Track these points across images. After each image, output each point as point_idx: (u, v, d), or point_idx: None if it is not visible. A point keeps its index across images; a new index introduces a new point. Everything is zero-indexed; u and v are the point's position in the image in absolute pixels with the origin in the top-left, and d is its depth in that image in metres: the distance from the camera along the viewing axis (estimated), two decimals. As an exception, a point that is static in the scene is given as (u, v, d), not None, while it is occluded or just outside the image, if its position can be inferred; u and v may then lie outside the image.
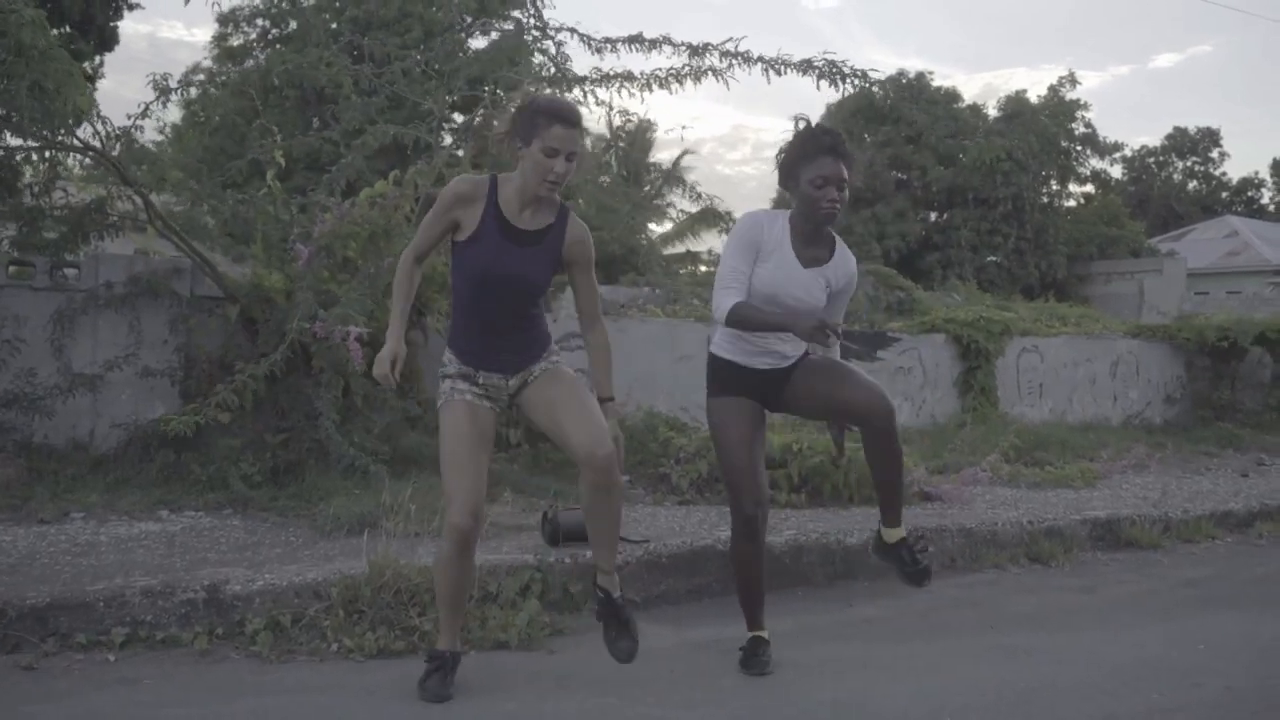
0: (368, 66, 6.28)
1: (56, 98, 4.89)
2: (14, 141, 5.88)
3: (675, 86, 6.04)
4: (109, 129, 5.57)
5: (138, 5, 22.66)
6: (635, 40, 6.18)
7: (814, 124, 3.85)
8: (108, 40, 21.71)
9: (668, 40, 6.03)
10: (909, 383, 9.65)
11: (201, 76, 30.13)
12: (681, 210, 29.88)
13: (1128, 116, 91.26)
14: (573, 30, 6.40)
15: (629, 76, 6.22)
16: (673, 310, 8.83)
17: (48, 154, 5.78)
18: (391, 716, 3.43)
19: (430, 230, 3.48)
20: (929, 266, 28.90)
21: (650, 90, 6.18)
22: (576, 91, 6.36)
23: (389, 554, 4.32)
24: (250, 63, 29.60)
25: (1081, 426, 10.18)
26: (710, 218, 30.92)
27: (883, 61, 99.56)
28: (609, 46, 6.36)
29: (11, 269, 6.33)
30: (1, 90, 4.98)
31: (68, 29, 20.27)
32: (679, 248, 31.08)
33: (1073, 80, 33.32)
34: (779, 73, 5.56)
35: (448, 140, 10.33)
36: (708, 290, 10.63)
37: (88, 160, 6.23)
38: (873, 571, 5.23)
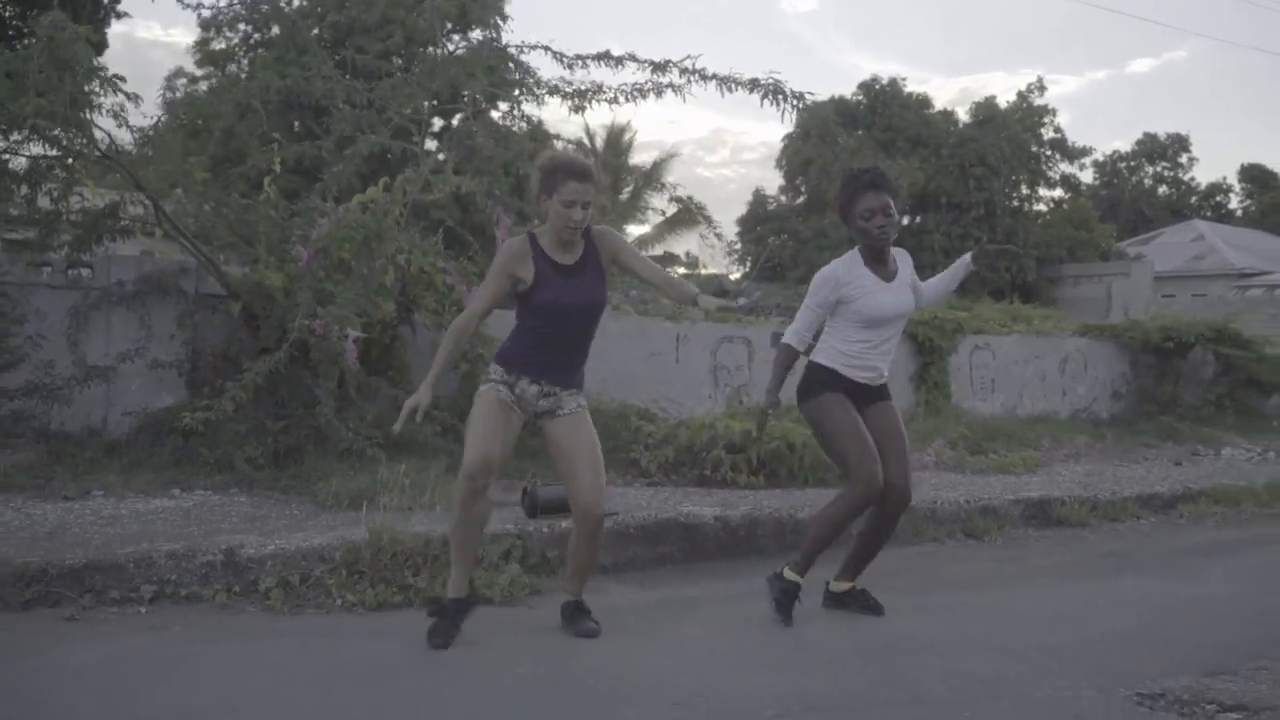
0: (360, 82, 6.82)
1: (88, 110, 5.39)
2: (37, 150, 6.36)
3: (639, 99, 6.61)
4: (130, 136, 6.08)
5: (126, 14, 23.08)
6: (603, 57, 6.76)
7: (854, 167, 4.60)
8: (96, 46, 22.27)
9: (633, 57, 6.61)
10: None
11: (184, 81, 30.64)
12: (659, 211, 30.36)
13: (1104, 121, 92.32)
14: (546, 47, 6.95)
15: (598, 90, 6.80)
16: (644, 310, 9.39)
17: (70, 161, 6.27)
18: (388, 656, 3.97)
19: (491, 289, 4.11)
20: (901, 268, 29.60)
21: (618, 103, 6.76)
22: (550, 100, 6.92)
23: (386, 523, 4.88)
24: (233, 67, 30.15)
25: (1031, 419, 10.80)
26: (687, 219, 31.63)
27: (861, 65, 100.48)
28: (580, 62, 6.93)
29: (28, 267, 6.84)
30: (39, 102, 5.47)
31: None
32: (657, 249, 31.69)
33: (1041, 87, 34.21)
34: (731, 90, 6.17)
35: (431, 145, 10.89)
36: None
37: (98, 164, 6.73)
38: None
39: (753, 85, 6.10)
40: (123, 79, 6.12)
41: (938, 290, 4.91)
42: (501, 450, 4.09)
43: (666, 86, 6.34)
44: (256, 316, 6.94)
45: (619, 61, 6.47)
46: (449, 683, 3.68)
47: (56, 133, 5.77)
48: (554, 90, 6.68)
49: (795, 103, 6.01)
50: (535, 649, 4.07)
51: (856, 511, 4.56)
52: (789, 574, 4.60)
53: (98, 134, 6.32)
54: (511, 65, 7.46)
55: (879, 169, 4.64)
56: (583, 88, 6.84)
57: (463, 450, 4.13)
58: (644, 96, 6.37)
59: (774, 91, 6.02)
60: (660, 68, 6.33)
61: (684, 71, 6.25)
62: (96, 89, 5.65)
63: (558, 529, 5.31)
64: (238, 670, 3.78)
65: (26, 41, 5.62)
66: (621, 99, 6.48)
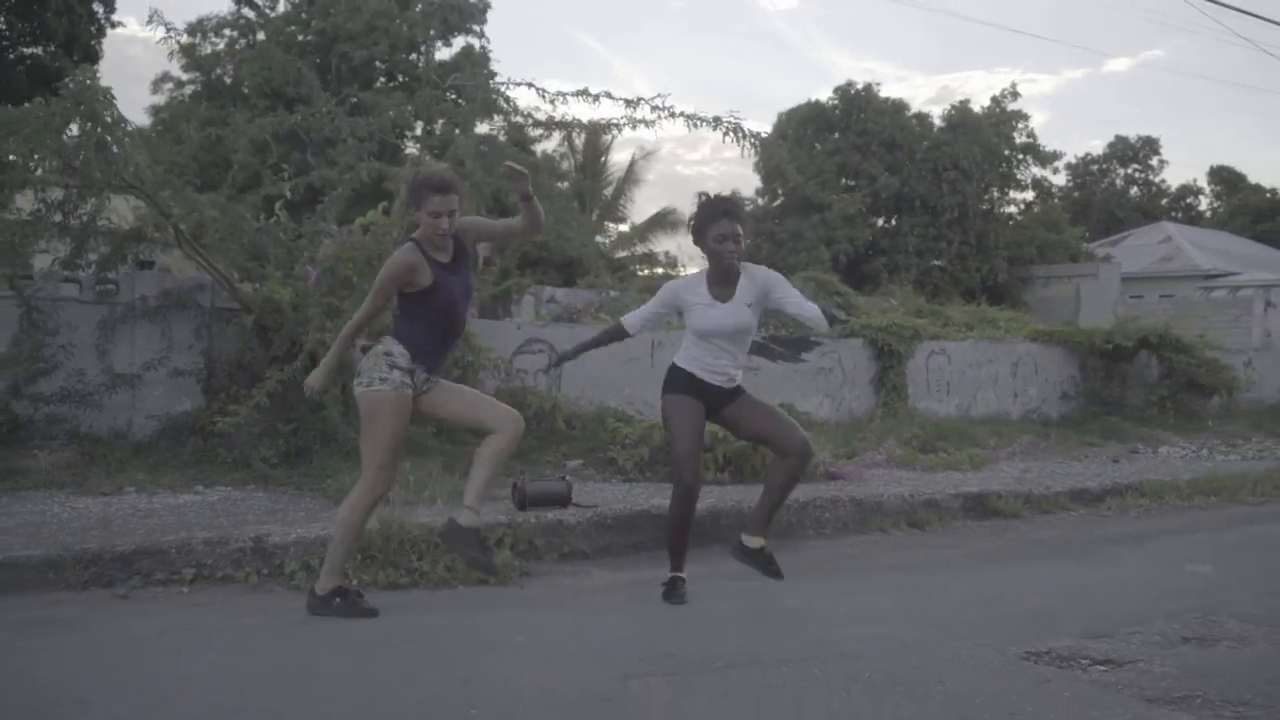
0: (363, 119, 7.52)
1: (118, 153, 6.12)
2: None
3: (616, 132, 7.34)
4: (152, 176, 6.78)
5: (120, 24, 23.65)
6: (582, 94, 7.48)
7: (713, 195, 5.26)
8: (91, 56, 22.83)
9: (608, 94, 7.35)
10: (830, 382, 11.00)
11: (170, 85, 31.16)
12: (639, 209, 31.06)
13: (1079, 120, 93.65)
14: (530, 84, 7.67)
15: (578, 124, 7.53)
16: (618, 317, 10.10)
17: (103, 191, 6.95)
18: (397, 627, 4.66)
19: (377, 303, 4.80)
20: (876, 270, 30.42)
21: (600, 135, 7.49)
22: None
23: (394, 514, 5.60)
24: (218, 72, 30.73)
25: (983, 420, 11.59)
26: (667, 222, 32.35)
27: (840, 63, 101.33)
28: (561, 98, 7.65)
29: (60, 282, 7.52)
30: (73, 143, 6.19)
31: (53, 48, 21.39)
32: (639, 249, 32.40)
33: (1015, 93, 35.10)
34: (696, 126, 6.92)
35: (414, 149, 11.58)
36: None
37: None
38: (775, 534, 6.54)
39: (716, 123, 6.84)
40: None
41: (805, 312, 5.27)
42: (404, 430, 4.80)
43: (639, 121, 7.07)
44: (267, 328, 7.62)
45: (595, 98, 7.19)
46: (453, 648, 4.39)
47: (91, 169, 6.46)
48: (538, 124, 7.39)
49: (753, 140, 6.75)
50: (526, 621, 4.79)
51: (678, 508, 5.14)
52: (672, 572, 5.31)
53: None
54: (496, 98, 8.11)
55: (734, 199, 5.33)
56: (566, 119, 7.55)
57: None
58: (619, 130, 7.09)
59: (735, 130, 6.76)
60: (632, 104, 7.06)
61: (655, 109, 6.98)
62: (123, 135, 6.33)
63: (544, 519, 6.04)
64: (270, 638, 4.47)
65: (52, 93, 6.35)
66: (602, 133, 7.19)
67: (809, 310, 5.21)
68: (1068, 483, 8.66)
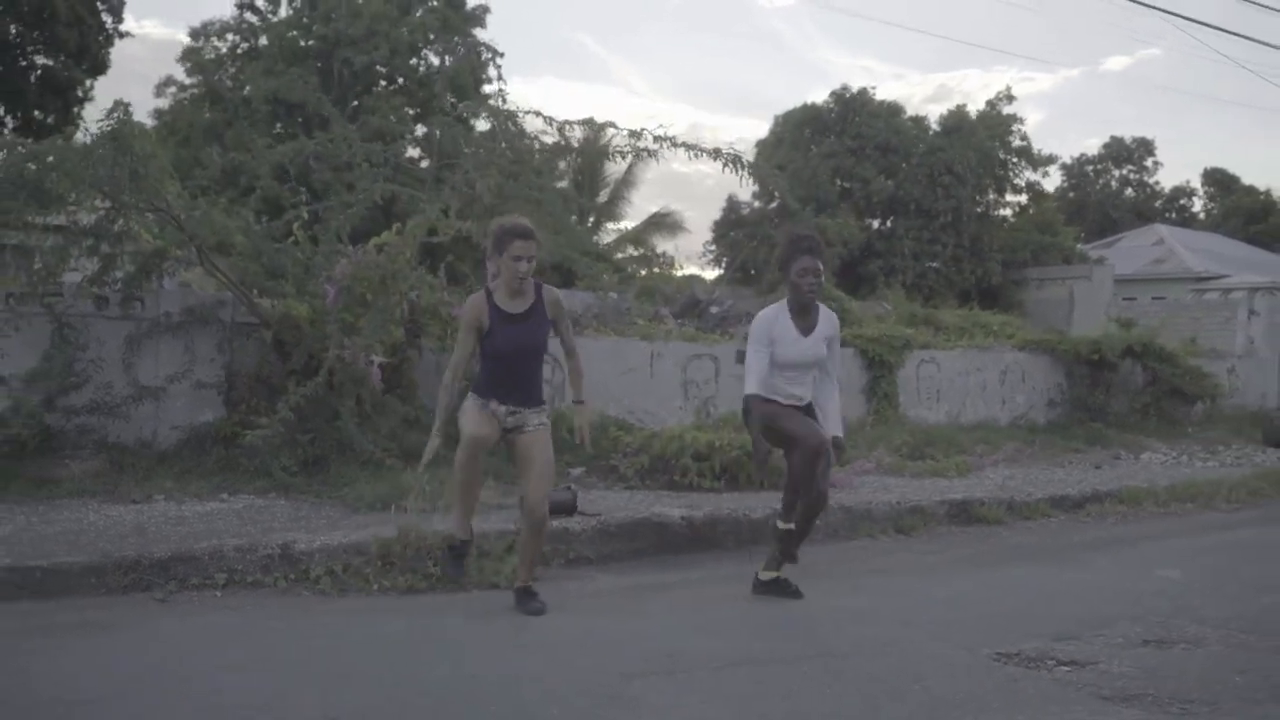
0: (379, 145, 7.91)
1: (149, 181, 6.53)
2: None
3: (619, 159, 7.73)
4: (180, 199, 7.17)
5: (128, 34, 24.03)
6: (587, 122, 7.88)
7: (798, 233, 5.72)
8: (100, 66, 23.20)
9: (612, 124, 7.72)
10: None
11: (174, 89, 31.52)
12: (637, 209, 31.48)
13: (1076, 119, 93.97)
14: (538, 113, 8.05)
15: (582, 150, 7.90)
16: (621, 329, 10.49)
17: (132, 215, 7.32)
18: (417, 628, 5.05)
19: (465, 348, 5.25)
20: (871, 273, 30.80)
21: (602, 160, 7.87)
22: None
23: (412, 523, 5.99)
24: (218, 76, 31.08)
25: (971, 427, 11.97)
26: (665, 223, 32.73)
27: (837, 61, 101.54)
28: (568, 125, 8.04)
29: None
30: (108, 174, 6.59)
31: (62, 58, 21.76)
32: (635, 250, 32.74)
33: (1010, 96, 35.48)
34: (696, 156, 7.30)
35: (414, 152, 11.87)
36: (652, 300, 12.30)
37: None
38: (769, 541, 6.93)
39: (715, 154, 7.24)
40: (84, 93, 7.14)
41: (822, 394, 5.81)
42: (489, 432, 5.23)
43: (642, 150, 7.45)
44: (285, 343, 7.99)
45: (601, 127, 7.58)
46: (470, 645, 4.78)
47: (123, 196, 6.86)
48: (545, 150, 7.77)
49: (751, 171, 7.13)
50: (537, 621, 5.18)
51: (808, 462, 5.51)
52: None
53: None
54: (505, 117, 8.48)
55: (815, 237, 5.77)
56: (573, 144, 7.92)
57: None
58: (623, 157, 7.48)
59: (734, 160, 7.15)
60: (636, 135, 7.44)
61: (657, 139, 7.36)
62: (156, 165, 6.74)
63: (551, 527, 6.41)
64: (299, 637, 4.87)
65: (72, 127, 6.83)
66: (603, 159, 7.57)
67: (829, 395, 5.81)
68: (1049, 489, 9.05)
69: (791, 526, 5.73)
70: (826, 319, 5.79)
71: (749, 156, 7.76)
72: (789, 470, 5.71)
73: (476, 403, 5.27)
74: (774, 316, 5.70)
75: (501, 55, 32.15)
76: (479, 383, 5.34)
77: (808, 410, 5.74)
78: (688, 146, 7.30)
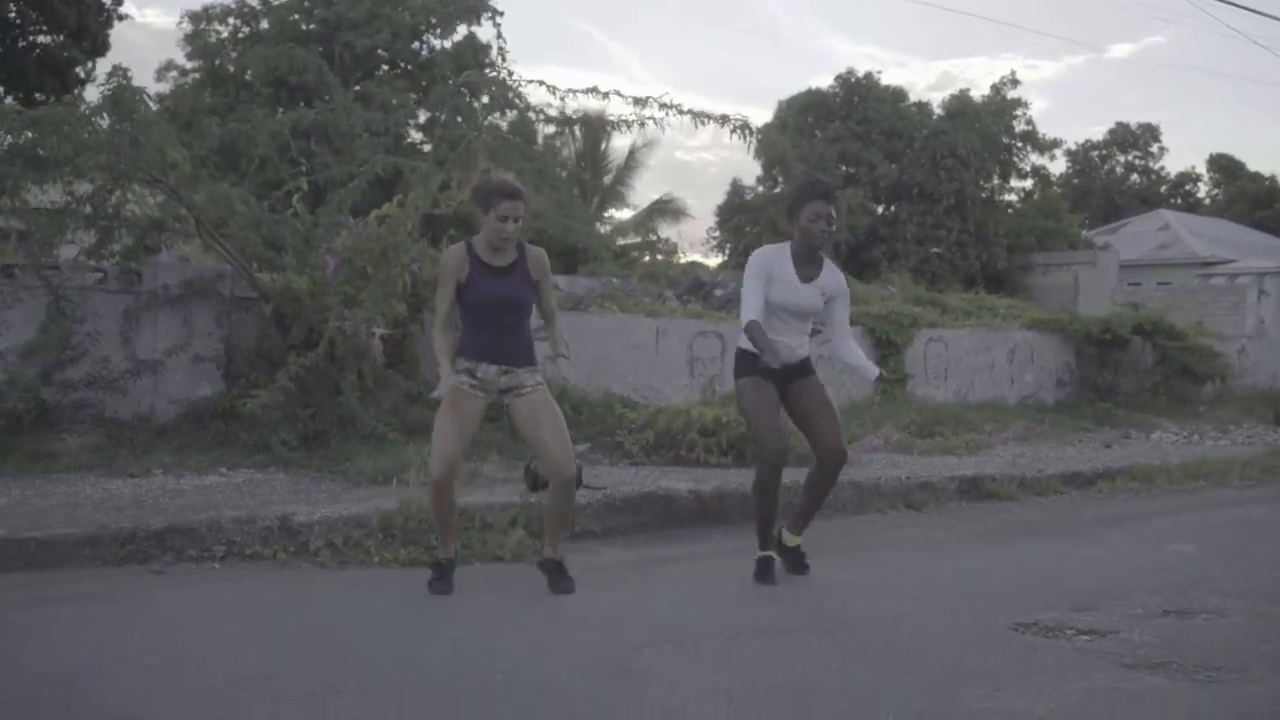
0: (380, 114, 7.78)
1: (149, 150, 6.39)
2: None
3: (624, 129, 7.58)
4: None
5: (128, 15, 23.86)
6: (592, 90, 7.72)
7: (814, 178, 5.46)
8: (100, 47, 23.04)
9: (618, 93, 7.57)
10: (830, 369, 11.20)
11: (175, 73, 31.37)
12: (640, 195, 31.29)
13: (1081, 106, 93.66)
14: (541, 82, 7.92)
15: (585, 120, 7.77)
16: (626, 306, 10.37)
17: (129, 184, 7.20)
18: (418, 601, 4.94)
19: (446, 298, 4.98)
20: (875, 258, 30.65)
21: (606, 131, 7.75)
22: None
23: (413, 495, 5.87)
24: (218, 61, 30.89)
25: (980, 406, 11.85)
26: (668, 209, 32.60)
27: (839, 49, 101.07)
28: (571, 94, 7.89)
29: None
30: (107, 139, 6.46)
31: (62, 37, 21.61)
32: (637, 236, 32.62)
33: (1014, 81, 35.27)
34: (703, 123, 7.16)
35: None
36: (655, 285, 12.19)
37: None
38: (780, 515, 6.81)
39: (723, 120, 7.10)
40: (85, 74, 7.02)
41: (843, 352, 5.65)
42: (461, 446, 4.97)
43: (647, 119, 7.32)
44: (285, 316, 7.87)
45: (605, 95, 7.45)
46: (474, 618, 4.66)
47: (121, 165, 6.73)
48: (549, 120, 7.64)
49: (759, 136, 6.99)
50: (541, 594, 5.06)
51: (763, 481, 5.32)
52: (761, 551, 5.48)
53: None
54: (509, 94, 8.34)
55: (831, 184, 5.50)
56: (573, 116, 7.79)
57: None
58: (628, 127, 7.35)
59: (742, 127, 7.01)
60: (641, 102, 7.30)
61: (663, 106, 7.22)
62: (157, 130, 6.60)
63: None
64: (299, 609, 4.74)
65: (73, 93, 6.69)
66: (608, 129, 7.45)
67: (851, 349, 5.60)
68: (1060, 466, 8.94)
69: (800, 541, 5.60)
70: (831, 274, 5.43)
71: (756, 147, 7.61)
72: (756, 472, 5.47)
73: (461, 376, 4.92)
74: (774, 254, 5.38)
75: (502, 12, 31.85)
76: (465, 345, 5.01)
77: (803, 367, 5.47)
78: (694, 114, 7.17)
